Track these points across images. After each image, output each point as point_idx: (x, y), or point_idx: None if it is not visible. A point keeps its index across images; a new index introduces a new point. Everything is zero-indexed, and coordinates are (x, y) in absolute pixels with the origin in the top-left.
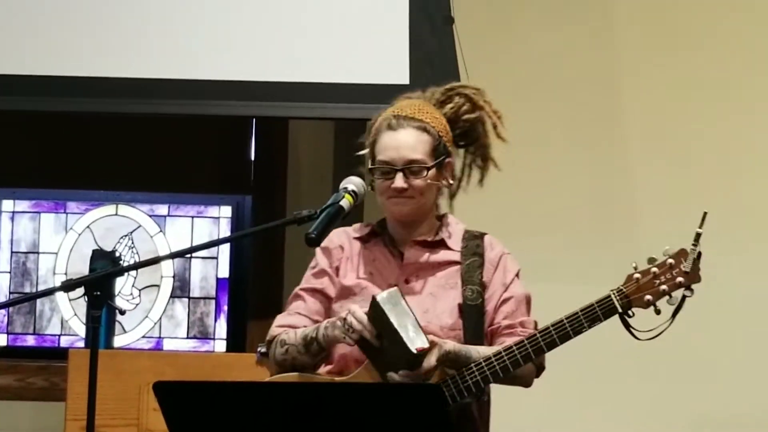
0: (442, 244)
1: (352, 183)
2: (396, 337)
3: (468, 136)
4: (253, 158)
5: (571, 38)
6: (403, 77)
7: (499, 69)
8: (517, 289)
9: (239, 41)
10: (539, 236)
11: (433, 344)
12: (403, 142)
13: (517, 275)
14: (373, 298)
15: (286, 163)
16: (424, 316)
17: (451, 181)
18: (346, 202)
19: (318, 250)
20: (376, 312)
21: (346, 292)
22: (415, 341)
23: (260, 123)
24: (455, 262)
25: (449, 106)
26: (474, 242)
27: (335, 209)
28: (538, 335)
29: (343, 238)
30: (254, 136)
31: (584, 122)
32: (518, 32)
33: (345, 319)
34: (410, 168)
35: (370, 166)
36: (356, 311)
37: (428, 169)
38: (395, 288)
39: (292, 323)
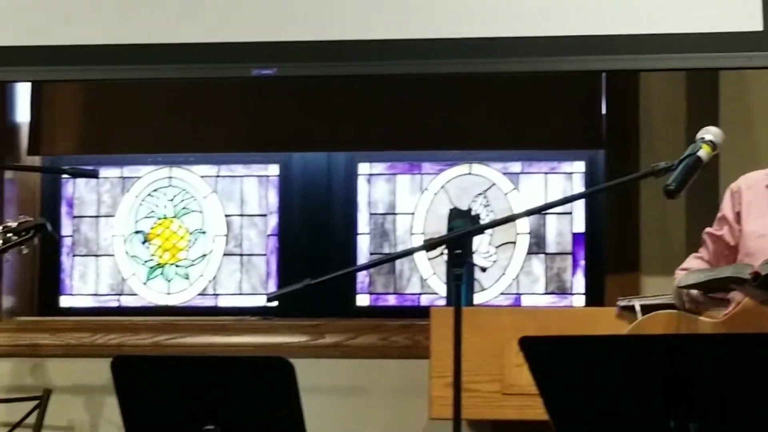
0: None
1: (710, 133)
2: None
3: None
4: (604, 112)
5: None
6: (755, 24)
7: None
8: None
9: None
10: None
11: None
12: None
13: None
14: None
15: (638, 115)
16: None
17: None
18: (704, 152)
19: (727, 191)
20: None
21: (744, 240)
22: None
23: (611, 77)
24: None
25: None
26: None
27: (693, 160)
28: None
29: (750, 181)
30: (605, 90)
31: None
32: None
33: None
34: None
35: None
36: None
37: None
38: None
39: (690, 266)
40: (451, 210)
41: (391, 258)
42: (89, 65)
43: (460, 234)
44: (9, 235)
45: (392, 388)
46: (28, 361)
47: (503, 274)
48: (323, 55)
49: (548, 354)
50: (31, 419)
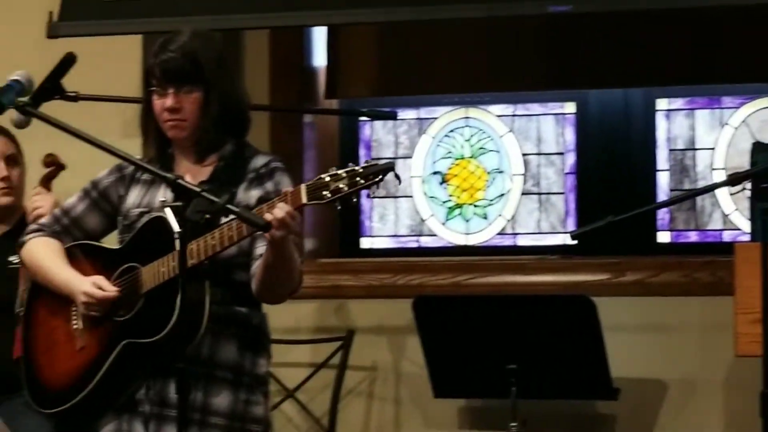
0: None
1: None
2: None
3: None
4: None
5: None
6: None
7: None
8: None
9: None
10: None
11: None
12: None
13: None
14: None
15: None
16: None
17: None
18: None
19: None
20: None
21: None
22: None
23: None
24: None
25: None
26: None
27: None
28: None
29: None
30: None
31: None
32: None
33: None
34: None
35: None
36: None
37: None
38: None
39: None
40: (754, 144)
41: (694, 194)
42: (384, 7)
43: (766, 168)
44: (357, 179)
45: (696, 326)
46: (331, 302)
47: None
48: None
49: None
50: (336, 359)
